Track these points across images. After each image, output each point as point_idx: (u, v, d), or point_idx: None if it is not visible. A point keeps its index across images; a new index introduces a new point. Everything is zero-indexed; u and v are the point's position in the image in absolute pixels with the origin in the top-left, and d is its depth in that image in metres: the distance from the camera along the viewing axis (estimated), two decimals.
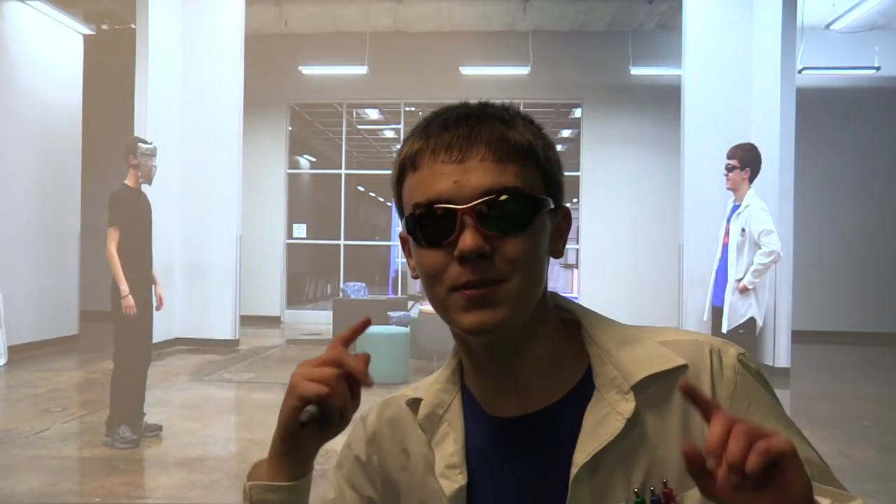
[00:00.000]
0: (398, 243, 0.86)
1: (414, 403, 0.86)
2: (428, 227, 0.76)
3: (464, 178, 0.75)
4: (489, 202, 0.75)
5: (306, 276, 16.56)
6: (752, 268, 4.54)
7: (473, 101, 0.83)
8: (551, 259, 0.81)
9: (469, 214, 0.74)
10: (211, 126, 9.87)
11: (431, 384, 0.88)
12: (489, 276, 0.75)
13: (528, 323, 0.79)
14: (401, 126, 14.62)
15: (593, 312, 0.85)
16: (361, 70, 12.11)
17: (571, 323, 0.84)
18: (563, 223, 0.83)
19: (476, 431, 0.84)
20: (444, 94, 13.47)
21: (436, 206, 0.75)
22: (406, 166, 0.79)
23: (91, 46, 10.54)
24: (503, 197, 0.75)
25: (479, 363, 0.82)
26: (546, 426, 0.80)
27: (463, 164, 0.76)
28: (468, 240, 0.74)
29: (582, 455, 0.76)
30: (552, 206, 0.80)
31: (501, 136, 0.77)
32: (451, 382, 0.86)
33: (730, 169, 4.68)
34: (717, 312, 4.71)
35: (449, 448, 0.83)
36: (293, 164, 13.90)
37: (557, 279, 28.66)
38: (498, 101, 0.85)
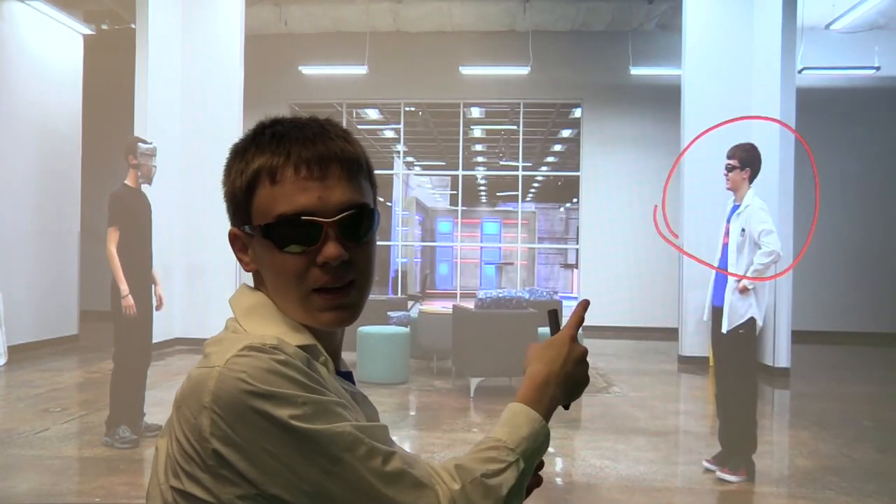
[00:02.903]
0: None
1: (310, 348, 0.88)
2: (292, 235, 0.85)
3: (326, 193, 0.86)
4: (348, 217, 0.86)
5: None
6: (752, 268, 4.53)
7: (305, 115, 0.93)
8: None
9: (333, 227, 0.86)
10: (211, 126, 9.86)
11: (293, 333, 0.88)
12: (346, 280, 0.87)
13: None
14: (401, 126, 14.63)
15: None
16: (361, 70, 12.11)
17: None
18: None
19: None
20: (444, 94, 13.58)
21: (303, 217, 0.85)
22: (260, 177, 0.87)
23: (91, 46, 10.54)
24: (356, 212, 0.87)
25: (317, 333, 0.90)
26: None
27: (324, 181, 0.86)
28: (333, 249, 0.85)
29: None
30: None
31: (349, 155, 0.88)
32: (309, 336, 0.89)
33: (730, 169, 4.67)
34: (716, 312, 4.70)
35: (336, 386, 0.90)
36: None
37: (558, 279, 28.66)
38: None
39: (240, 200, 0.89)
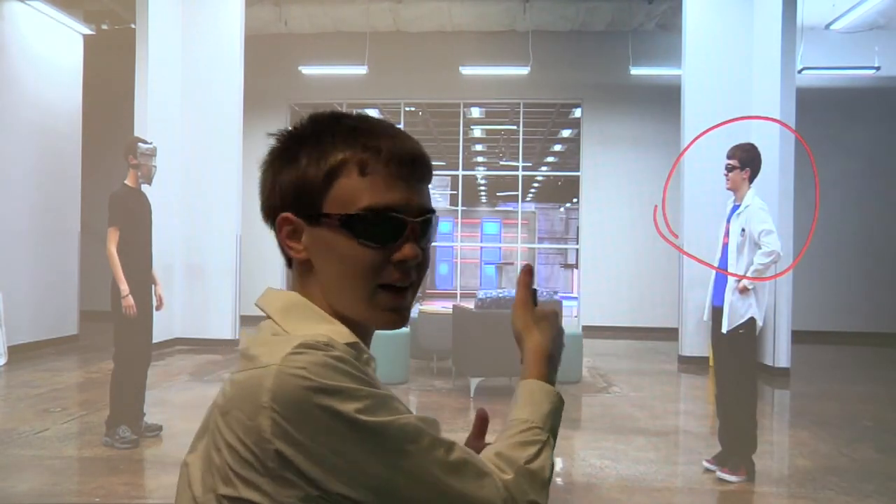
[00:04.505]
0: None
1: (355, 346, 0.85)
2: (374, 229, 0.85)
3: (410, 194, 0.87)
4: (425, 220, 0.88)
5: None
6: (752, 268, 4.53)
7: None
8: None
9: (415, 228, 0.87)
10: (211, 126, 9.87)
11: (337, 331, 0.86)
12: (411, 280, 0.88)
13: None
14: (401, 126, 14.60)
15: None
16: (361, 70, 12.11)
17: None
18: None
19: None
20: (444, 94, 13.57)
21: (392, 213, 0.85)
22: (346, 167, 0.86)
23: (91, 46, 10.55)
24: (431, 217, 0.89)
25: (361, 332, 0.90)
26: None
27: (410, 181, 0.87)
28: (412, 249, 0.86)
29: None
30: None
31: (428, 160, 0.90)
32: (352, 334, 0.87)
33: (730, 169, 4.67)
34: (716, 312, 4.70)
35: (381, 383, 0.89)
36: None
37: (558, 279, 28.65)
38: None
39: (313, 187, 0.86)
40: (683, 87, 9.58)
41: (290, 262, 0.91)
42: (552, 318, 1.01)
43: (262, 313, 0.90)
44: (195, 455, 0.83)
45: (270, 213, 0.90)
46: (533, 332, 0.99)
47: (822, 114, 11.16)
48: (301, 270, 0.90)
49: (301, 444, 0.74)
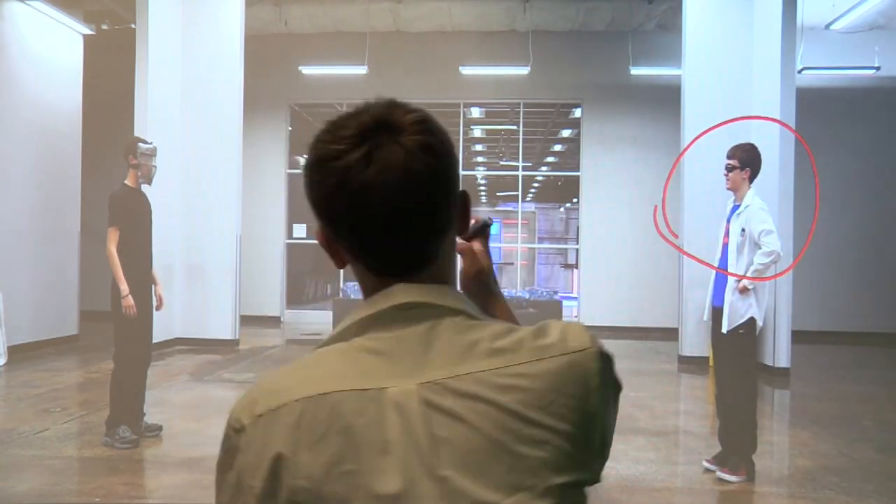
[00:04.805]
0: None
1: None
2: None
3: None
4: None
5: (306, 276, 16.57)
6: (752, 268, 4.53)
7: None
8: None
9: None
10: (211, 126, 9.87)
11: None
12: None
13: None
14: None
15: None
16: (361, 70, 12.11)
17: None
18: None
19: None
20: (444, 94, 13.56)
21: None
22: None
23: (91, 46, 10.55)
24: None
25: None
26: None
27: None
28: None
29: None
30: None
31: None
32: None
33: (730, 169, 4.67)
34: (717, 312, 4.70)
35: None
36: (293, 165, 13.90)
37: (558, 279, 28.65)
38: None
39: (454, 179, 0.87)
40: (683, 87, 9.58)
41: (429, 257, 0.82)
42: (499, 293, 1.05)
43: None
44: (449, 470, 0.71)
45: (452, 197, 0.85)
46: (497, 313, 1.02)
47: (822, 114, 11.16)
48: (450, 257, 0.86)
49: (612, 415, 0.81)
